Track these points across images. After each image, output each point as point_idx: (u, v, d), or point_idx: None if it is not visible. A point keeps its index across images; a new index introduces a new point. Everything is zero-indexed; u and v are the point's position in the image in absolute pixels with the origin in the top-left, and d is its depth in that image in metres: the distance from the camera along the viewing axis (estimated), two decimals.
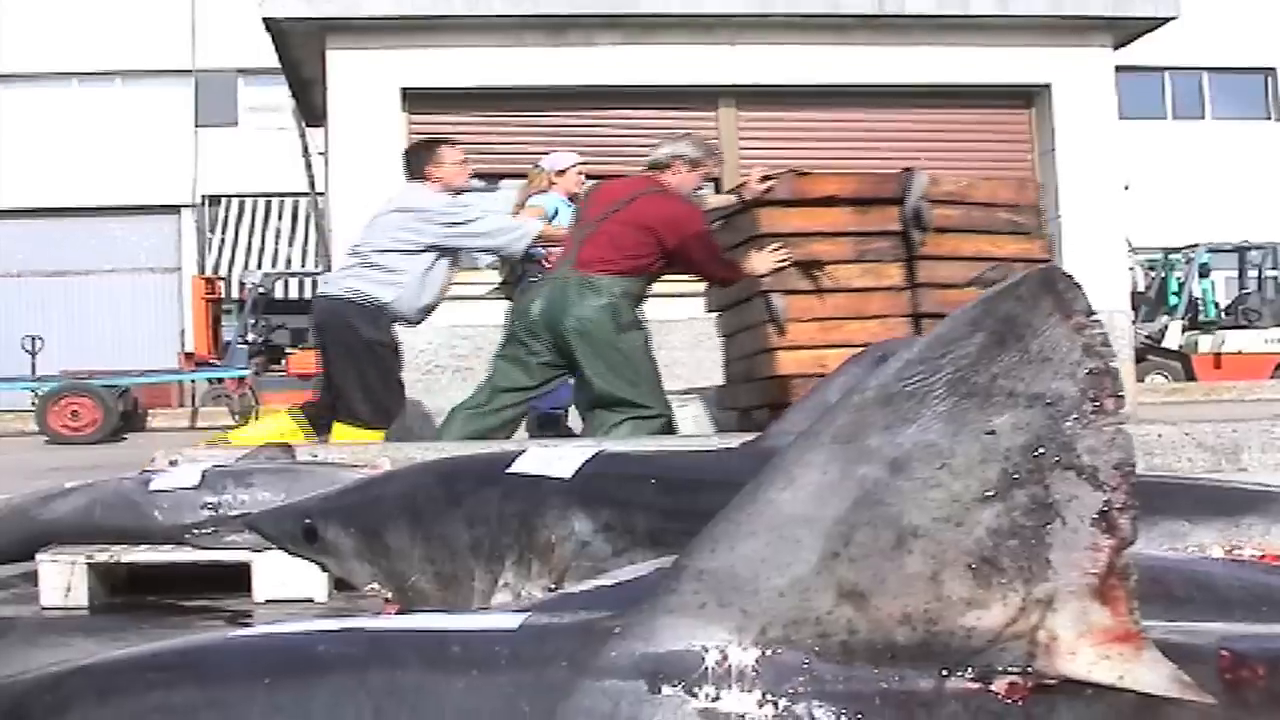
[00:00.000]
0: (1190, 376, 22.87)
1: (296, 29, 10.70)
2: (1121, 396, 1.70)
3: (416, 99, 10.79)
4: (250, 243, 30.22)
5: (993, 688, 1.70)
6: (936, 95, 11.35)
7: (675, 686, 1.71)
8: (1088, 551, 1.68)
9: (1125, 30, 11.46)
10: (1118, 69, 11.61)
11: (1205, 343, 23.80)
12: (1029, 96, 11.47)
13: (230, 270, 29.02)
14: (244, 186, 30.02)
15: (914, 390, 1.72)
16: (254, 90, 29.60)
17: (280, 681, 1.80)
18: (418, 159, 8.50)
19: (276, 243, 30.14)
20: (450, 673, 1.79)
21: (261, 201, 30.38)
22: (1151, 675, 1.70)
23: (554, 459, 3.28)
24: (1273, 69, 30.62)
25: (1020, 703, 1.69)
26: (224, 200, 30.55)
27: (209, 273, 28.08)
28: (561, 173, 9.61)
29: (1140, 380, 18.19)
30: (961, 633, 1.70)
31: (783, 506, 1.75)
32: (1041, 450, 1.69)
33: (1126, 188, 12.50)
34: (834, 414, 1.80)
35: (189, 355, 23.57)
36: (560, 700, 1.72)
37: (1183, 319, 24.31)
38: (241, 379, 21.34)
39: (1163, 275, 25.40)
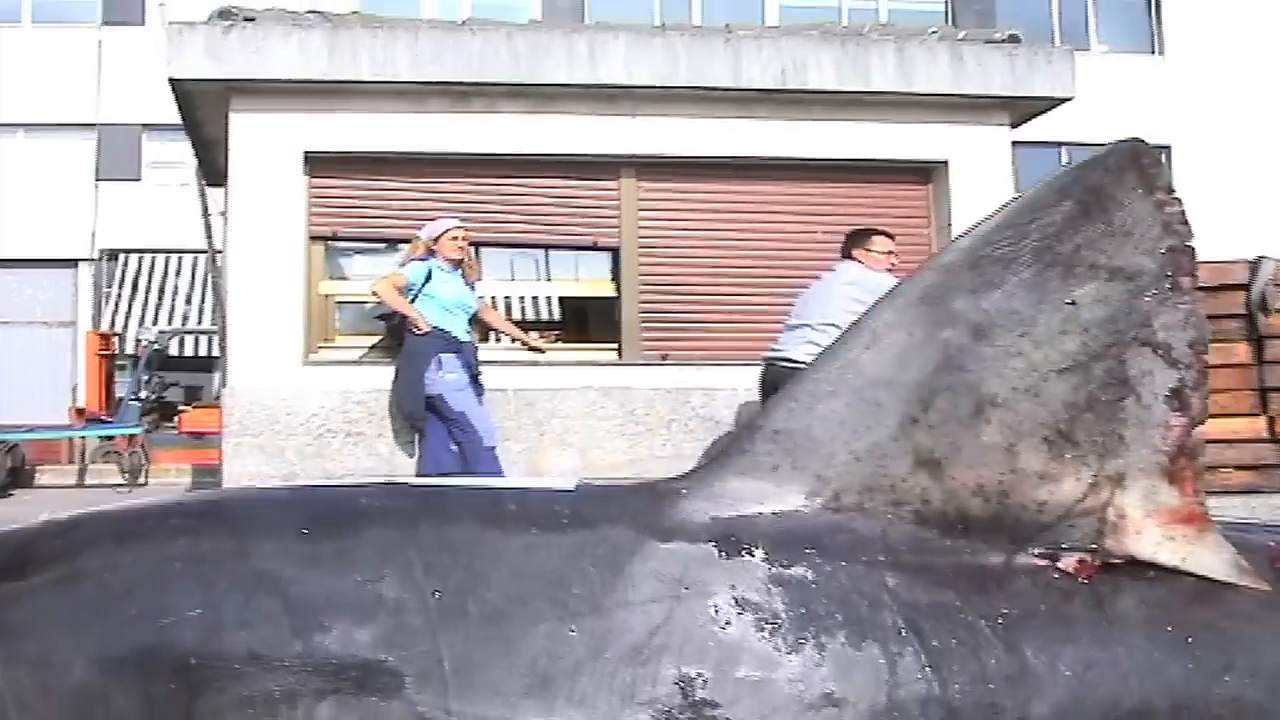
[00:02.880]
0: None
1: (201, 89, 10.63)
2: (1197, 276, 1.71)
3: (318, 162, 10.74)
4: (147, 299, 29.81)
5: (1061, 564, 1.68)
6: (837, 170, 11.46)
7: (746, 551, 1.65)
8: (1160, 429, 1.68)
9: (1023, 109, 11.67)
10: (1015, 143, 11.81)
11: None
12: (927, 172, 11.63)
13: (126, 326, 28.61)
14: (144, 242, 29.64)
15: (1000, 255, 1.70)
16: (157, 145, 29.29)
17: (318, 533, 1.69)
18: (854, 241, 9.35)
19: (174, 300, 29.75)
20: (507, 530, 1.70)
21: (160, 258, 30.01)
22: (1214, 559, 1.70)
23: None
24: (1168, 147, 31.22)
25: (1087, 581, 1.68)
26: (123, 255, 30.14)
27: (105, 328, 27.67)
28: (436, 239, 9.62)
29: None
30: (1033, 507, 1.68)
31: (864, 367, 1.71)
32: (1120, 325, 1.68)
33: None
34: (921, 274, 1.76)
35: (80, 411, 23.17)
36: (626, 561, 1.64)
37: None
38: (133, 436, 21.01)
39: None
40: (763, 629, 1.60)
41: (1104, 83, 26.07)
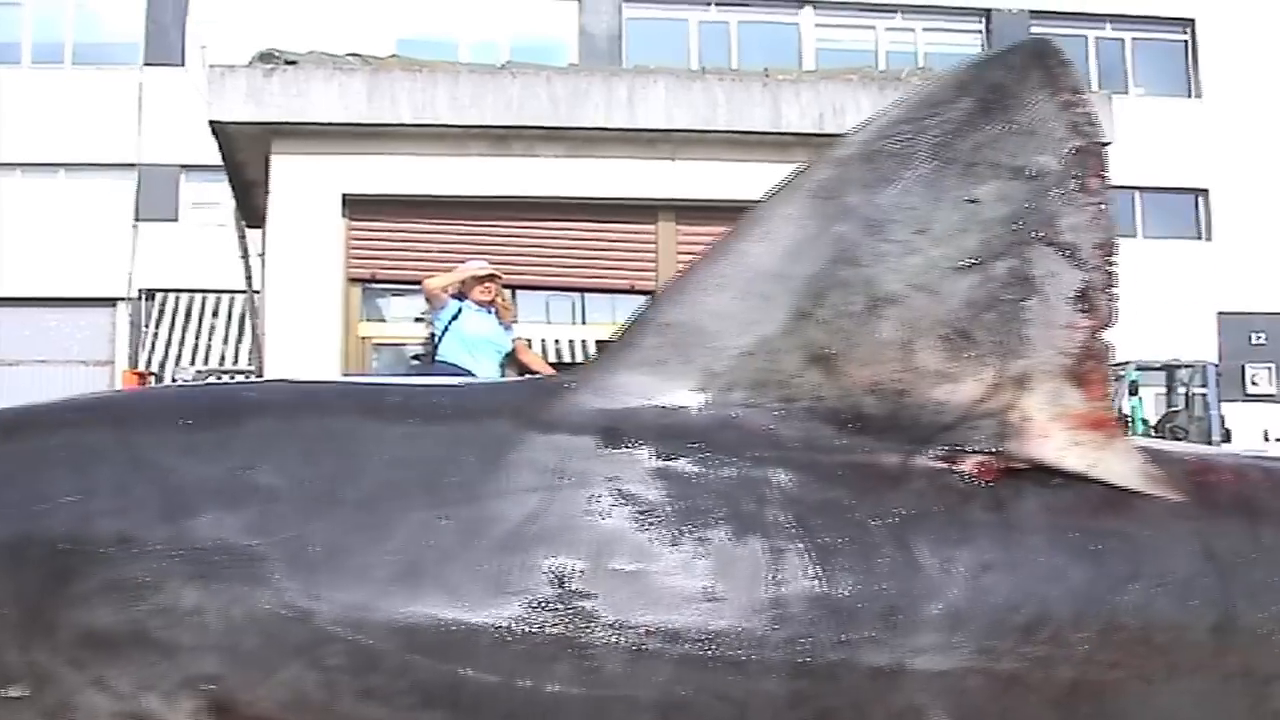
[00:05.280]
0: None
1: (242, 132, 10.71)
2: (1106, 177, 1.68)
3: (357, 204, 10.80)
4: (184, 339, 29.95)
5: (960, 466, 1.64)
6: None
7: (629, 444, 1.62)
8: (1065, 330, 1.64)
9: None
10: None
11: None
12: None
13: (163, 366, 28.75)
14: (182, 282, 29.81)
15: (896, 150, 1.66)
16: (196, 186, 29.49)
17: (199, 424, 1.67)
18: None
19: (211, 340, 29.89)
20: (387, 420, 1.68)
21: (198, 297, 30.16)
22: (1123, 466, 1.66)
23: None
24: (1205, 190, 31.12)
25: (987, 484, 1.63)
26: (160, 295, 30.32)
27: (142, 367, 27.79)
28: (463, 281, 9.51)
29: None
30: (931, 406, 1.64)
31: (755, 259, 1.67)
32: (1023, 224, 1.63)
33: None
34: (815, 168, 1.71)
35: None
36: (504, 452, 1.61)
37: None
38: None
39: None
40: (641, 522, 1.56)
41: (1141, 125, 26.02)
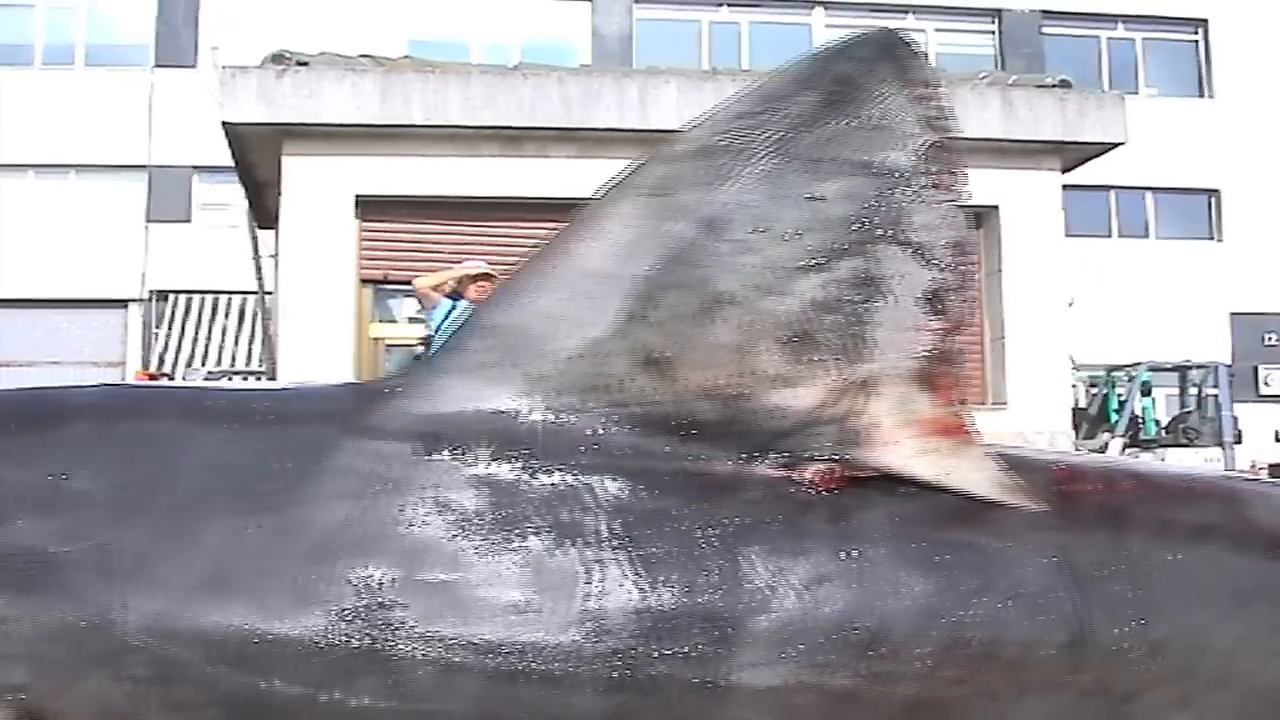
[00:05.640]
0: None
1: (254, 133, 10.71)
2: (959, 174, 1.59)
3: (370, 205, 10.80)
4: (196, 340, 29.97)
5: (800, 474, 1.56)
6: None
7: (449, 451, 1.56)
8: (913, 332, 1.56)
9: (1074, 154, 11.64)
10: (1065, 187, 11.76)
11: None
12: (978, 217, 11.58)
13: (175, 367, 28.77)
14: (193, 283, 29.82)
15: (734, 146, 1.59)
16: (207, 187, 29.50)
17: (19, 428, 1.63)
18: None
19: (223, 341, 29.91)
20: (205, 425, 1.62)
21: (210, 299, 30.17)
22: (975, 475, 1.58)
23: None
24: (1217, 190, 31.03)
25: (829, 493, 1.56)
26: (172, 296, 30.34)
27: (153, 368, 27.80)
28: (459, 280, 9.41)
29: None
30: (770, 412, 1.56)
31: (585, 260, 1.61)
32: (870, 222, 1.56)
33: (1070, 304, 12.62)
34: (648, 165, 1.65)
35: None
36: (320, 458, 1.56)
37: (1123, 436, 24.41)
38: None
39: (1104, 392, 25.54)
40: (457, 531, 1.51)
41: (1153, 126, 25.97)
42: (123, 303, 30.36)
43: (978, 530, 1.58)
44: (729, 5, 30.66)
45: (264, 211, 13.07)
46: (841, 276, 1.56)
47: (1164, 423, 25.33)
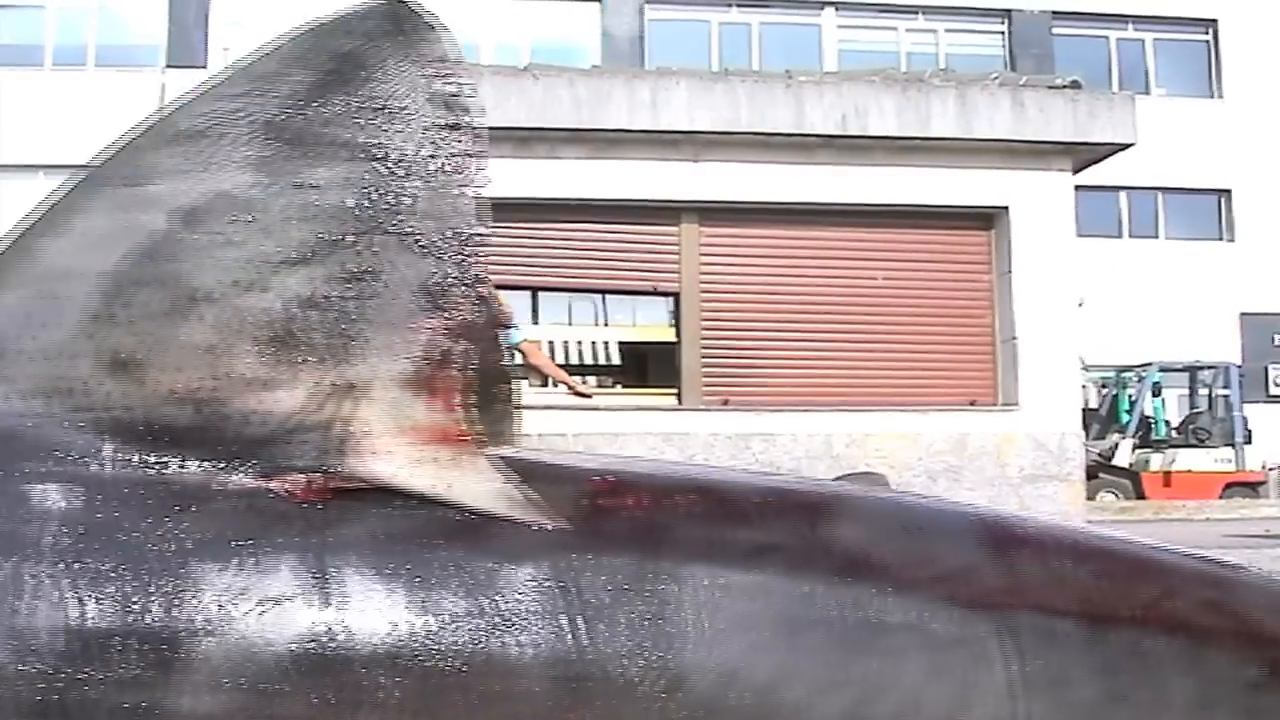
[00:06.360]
0: (1140, 495, 22.95)
1: None
2: (476, 158, 1.49)
3: None
4: None
5: (277, 484, 1.45)
6: (897, 215, 11.43)
7: None
8: (409, 330, 1.45)
9: (1084, 155, 11.60)
10: (1076, 188, 11.75)
11: (1155, 461, 23.93)
12: (988, 218, 11.56)
13: None
14: None
15: (209, 131, 1.47)
16: None
17: None
18: None
19: None
20: None
21: None
22: (476, 487, 1.46)
23: None
24: (1228, 191, 31.00)
25: (310, 505, 1.44)
26: None
27: None
28: None
29: (1091, 498, 18.24)
30: (245, 417, 1.45)
31: (47, 255, 1.49)
32: (366, 212, 1.45)
33: (1080, 304, 12.61)
34: (117, 153, 1.52)
35: None
36: None
37: (1134, 437, 24.41)
38: None
39: (1115, 393, 25.53)
40: None
41: (1163, 126, 25.94)
42: None
43: (469, 549, 1.45)
44: (739, 6, 30.67)
45: None
46: (332, 271, 1.44)
47: (1174, 423, 25.35)
